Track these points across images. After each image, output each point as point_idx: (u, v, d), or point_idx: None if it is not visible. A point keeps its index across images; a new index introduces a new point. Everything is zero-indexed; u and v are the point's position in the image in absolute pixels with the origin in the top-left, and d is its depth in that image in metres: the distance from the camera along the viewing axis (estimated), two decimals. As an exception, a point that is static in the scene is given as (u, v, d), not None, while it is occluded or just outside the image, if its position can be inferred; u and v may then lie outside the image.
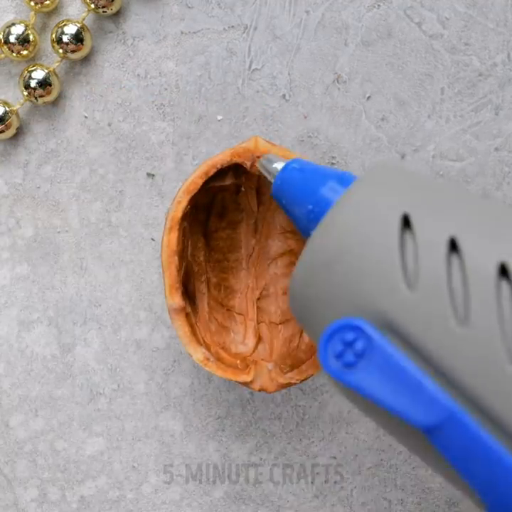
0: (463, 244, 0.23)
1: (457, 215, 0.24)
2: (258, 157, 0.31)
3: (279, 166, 0.29)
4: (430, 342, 0.23)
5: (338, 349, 0.23)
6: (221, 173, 0.33)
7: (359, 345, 0.23)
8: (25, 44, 0.35)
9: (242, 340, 0.35)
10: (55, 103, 0.36)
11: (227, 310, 0.35)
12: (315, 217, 0.26)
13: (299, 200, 0.27)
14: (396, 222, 0.24)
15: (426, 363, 0.23)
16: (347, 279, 0.24)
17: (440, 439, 0.23)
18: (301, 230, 0.27)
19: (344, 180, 0.27)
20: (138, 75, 0.36)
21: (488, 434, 0.22)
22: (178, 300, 0.32)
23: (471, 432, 0.22)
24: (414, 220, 0.24)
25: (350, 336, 0.23)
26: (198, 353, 0.32)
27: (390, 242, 0.24)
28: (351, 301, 0.24)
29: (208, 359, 0.32)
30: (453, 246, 0.23)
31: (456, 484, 0.24)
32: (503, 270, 0.23)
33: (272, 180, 0.29)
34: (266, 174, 0.29)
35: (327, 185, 0.27)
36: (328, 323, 0.24)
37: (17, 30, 0.35)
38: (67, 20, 0.35)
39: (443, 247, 0.23)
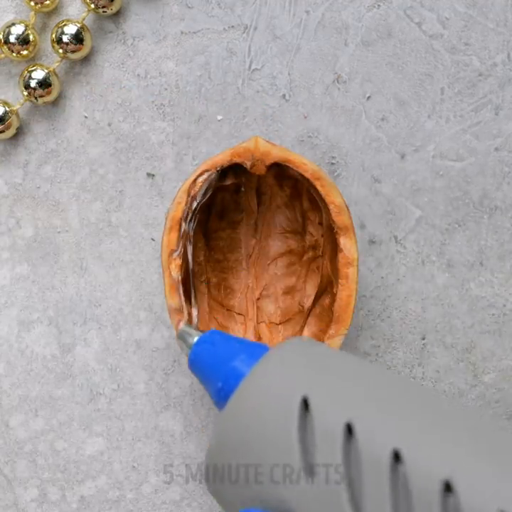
0: (359, 430, 0.23)
1: (355, 399, 0.24)
2: (177, 325, 0.31)
3: (193, 339, 0.29)
4: None
5: None
6: (221, 173, 0.33)
7: None
8: (25, 44, 0.35)
9: (242, 340, 0.35)
10: (55, 103, 0.36)
11: (227, 310, 0.35)
12: (225, 394, 0.26)
13: (209, 377, 0.27)
14: (296, 408, 0.24)
15: None
16: (250, 466, 0.24)
17: None
18: (216, 405, 0.27)
19: (253, 354, 0.27)
20: (138, 75, 0.36)
21: None
22: (178, 300, 0.32)
23: None
24: (312, 404, 0.23)
25: None
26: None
27: (290, 429, 0.23)
28: (253, 489, 0.24)
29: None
30: (350, 431, 0.23)
31: None
32: (396, 457, 0.22)
33: (187, 354, 0.29)
34: (182, 346, 0.29)
35: (235, 362, 0.27)
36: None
37: (17, 30, 0.35)
38: (67, 20, 0.35)
39: (339, 434, 0.23)
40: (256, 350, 0.27)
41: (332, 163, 0.36)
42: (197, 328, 0.30)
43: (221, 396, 0.27)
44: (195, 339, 0.29)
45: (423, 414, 0.23)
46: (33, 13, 0.35)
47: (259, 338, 0.35)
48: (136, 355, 0.36)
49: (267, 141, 0.32)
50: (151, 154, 0.36)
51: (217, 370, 0.27)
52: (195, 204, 0.32)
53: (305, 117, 0.36)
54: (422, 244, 0.36)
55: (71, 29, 0.35)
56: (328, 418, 0.23)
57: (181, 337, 0.29)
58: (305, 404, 0.24)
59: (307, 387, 0.24)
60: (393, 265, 0.36)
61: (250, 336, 0.35)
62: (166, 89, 0.36)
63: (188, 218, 0.32)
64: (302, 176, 0.32)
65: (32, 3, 0.35)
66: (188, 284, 0.34)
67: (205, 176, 0.32)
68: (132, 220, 0.36)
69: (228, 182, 0.34)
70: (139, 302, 0.36)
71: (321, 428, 0.23)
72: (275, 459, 0.23)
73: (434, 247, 0.36)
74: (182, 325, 0.31)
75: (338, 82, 0.36)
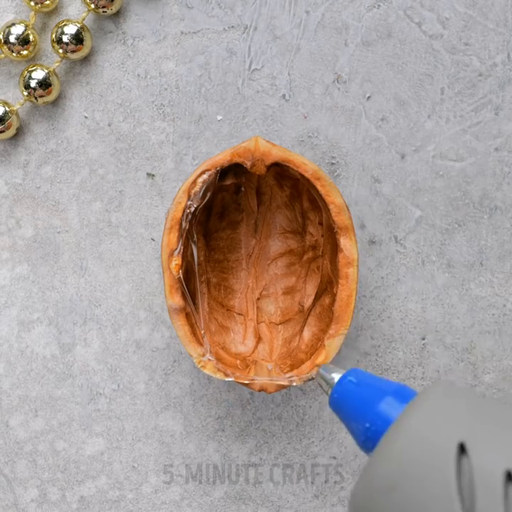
0: None
1: None
2: (317, 366, 0.32)
3: (336, 377, 0.29)
4: None
5: None
6: (221, 173, 0.33)
7: None
8: (25, 44, 0.35)
9: (242, 340, 0.35)
10: (55, 103, 0.36)
11: (227, 310, 0.35)
12: (372, 435, 0.27)
13: (355, 417, 0.27)
14: (452, 453, 0.24)
15: None
16: (404, 509, 0.24)
17: None
18: (359, 444, 0.28)
19: (400, 396, 0.27)
20: (138, 75, 0.36)
21: None
22: (178, 300, 0.32)
23: None
24: (470, 450, 0.24)
25: None
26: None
27: (447, 473, 0.24)
28: None
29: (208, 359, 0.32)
30: (510, 477, 0.23)
31: None
32: None
33: (328, 391, 0.29)
34: (322, 383, 0.30)
35: (383, 403, 0.27)
36: None
37: (17, 30, 0.35)
38: (67, 20, 0.35)
39: (499, 481, 0.23)
40: (403, 392, 0.27)
41: (332, 163, 0.36)
42: (336, 366, 0.30)
43: (368, 437, 0.27)
44: (337, 378, 0.29)
45: None
46: (33, 13, 0.35)
47: (259, 338, 0.35)
48: (136, 355, 0.36)
49: (267, 141, 0.32)
50: (151, 154, 0.36)
51: (363, 411, 0.27)
52: (195, 205, 0.32)
53: (305, 117, 0.36)
54: (422, 244, 0.36)
55: (71, 29, 0.35)
56: (487, 464, 0.23)
57: (321, 374, 0.30)
58: (461, 449, 0.24)
59: (463, 431, 0.24)
60: (393, 265, 0.36)
61: (250, 336, 0.35)
62: (166, 89, 0.36)
63: (189, 218, 0.32)
64: (302, 175, 0.32)
65: (32, 3, 0.35)
66: (193, 284, 0.34)
67: (205, 176, 0.32)
68: (132, 220, 0.36)
69: (228, 182, 0.34)
70: (139, 302, 0.36)
71: (480, 474, 0.23)
72: (432, 504, 0.23)
73: (434, 247, 0.36)
74: (324, 364, 0.31)
75: (338, 82, 0.36)
